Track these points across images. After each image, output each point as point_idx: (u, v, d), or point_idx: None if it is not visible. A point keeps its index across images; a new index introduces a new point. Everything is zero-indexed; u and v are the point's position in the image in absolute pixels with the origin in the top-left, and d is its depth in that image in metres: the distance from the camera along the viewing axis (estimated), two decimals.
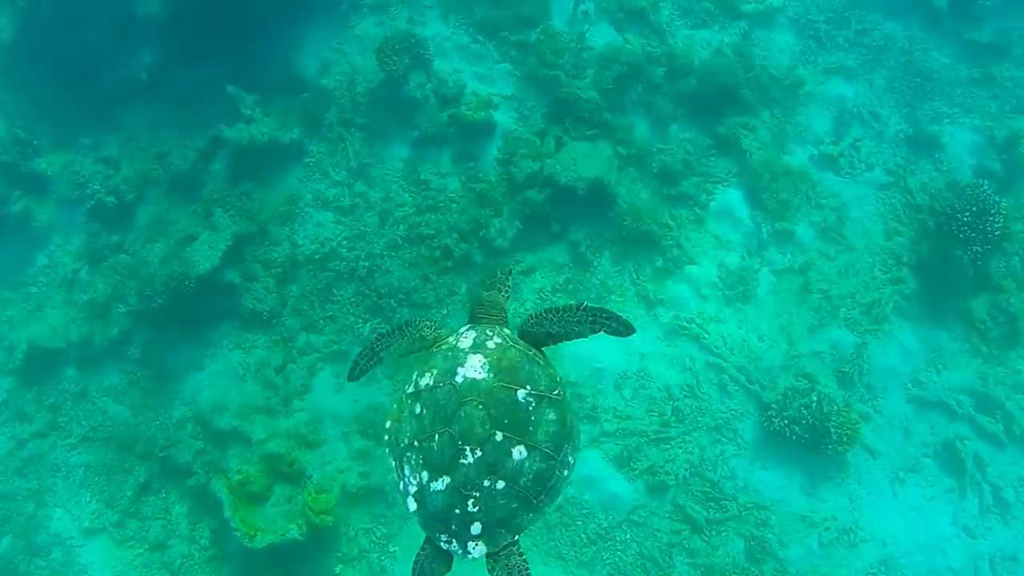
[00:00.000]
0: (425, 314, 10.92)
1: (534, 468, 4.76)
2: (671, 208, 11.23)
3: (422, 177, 11.38)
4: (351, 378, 5.57)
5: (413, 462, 4.85)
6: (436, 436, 4.76)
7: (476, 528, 4.74)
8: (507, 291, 5.69)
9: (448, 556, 4.93)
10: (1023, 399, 10.77)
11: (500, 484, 4.69)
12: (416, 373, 5.06)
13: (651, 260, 11.12)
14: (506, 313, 5.62)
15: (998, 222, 10.58)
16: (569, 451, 4.96)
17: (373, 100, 11.66)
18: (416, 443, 4.84)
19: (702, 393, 10.78)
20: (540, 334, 5.20)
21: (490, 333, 5.13)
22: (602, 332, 5.07)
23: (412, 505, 4.88)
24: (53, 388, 11.41)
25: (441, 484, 4.72)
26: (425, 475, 4.78)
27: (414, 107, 11.43)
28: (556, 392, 4.94)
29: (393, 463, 5.01)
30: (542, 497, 4.85)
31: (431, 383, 4.92)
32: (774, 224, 11.11)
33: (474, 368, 4.86)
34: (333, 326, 11.14)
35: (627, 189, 11.13)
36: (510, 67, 11.84)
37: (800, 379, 10.62)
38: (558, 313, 5.11)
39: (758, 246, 11.13)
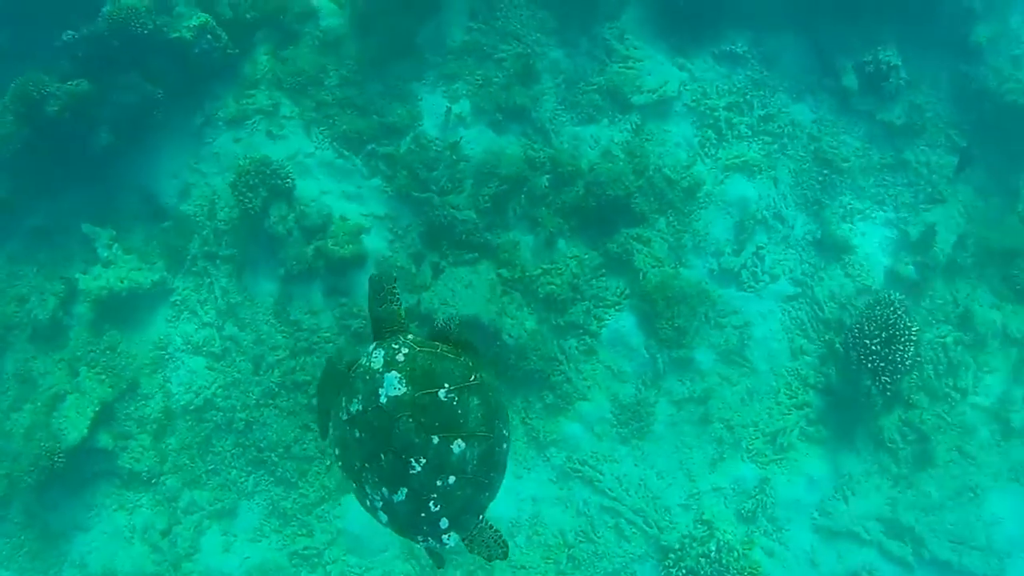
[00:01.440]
0: (308, 466, 10.49)
1: (476, 453, 5.21)
2: (560, 339, 10.54)
3: (292, 317, 10.69)
4: (323, 436, 5.91)
5: (371, 481, 5.25)
6: (381, 455, 5.15)
7: (444, 523, 5.22)
8: (397, 300, 5.84)
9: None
10: (933, 521, 10.33)
11: (451, 479, 5.12)
12: (344, 399, 5.42)
13: (541, 396, 10.54)
14: (403, 318, 5.85)
15: (909, 350, 9.89)
16: (502, 426, 5.41)
17: (236, 229, 10.85)
18: (367, 464, 5.25)
19: (598, 537, 10.39)
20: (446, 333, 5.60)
21: (396, 346, 5.42)
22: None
23: (384, 518, 5.33)
24: None
25: (401, 495, 5.15)
26: (385, 490, 5.19)
27: (278, 242, 10.62)
28: (472, 378, 5.32)
29: (354, 485, 5.41)
30: (491, 475, 5.35)
31: (360, 408, 5.26)
32: (670, 353, 10.41)
33: (392, 386, 5.20)
34: (216, 480, 10.70)
35: (511, 321, 10.41)
36: (381, 182, 10.94)
37: (698, 525, 10.17)
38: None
39: (654, 377, 10.47)
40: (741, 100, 11.09)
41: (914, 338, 9.92)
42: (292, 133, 11.13)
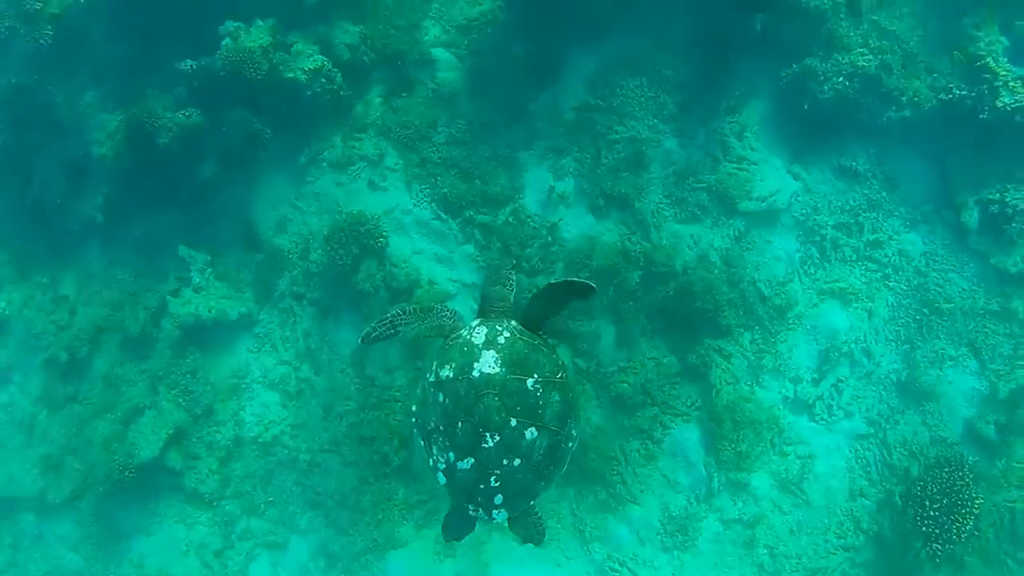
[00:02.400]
0: (360, 517, 10.84)
1: (544, 444, 5.61)
2: (623, 440, 10.55)
3: (368, 372, 10.88)
4: (365, 342, 6.39)
5: (440, 443, 5.70)
6: (459, 423, 5.57)
7: (499, 499, 5.66)
8: (512, 285, 6.37)
9: (472, 519, 5.95)
10: None
11: (516, 461, 5.54)
12: (436, 364, 5.86)
13: (594, 490, 10.62)
14: (511, 305, 6.29)
15: (968, 523, 9.67)
16: (572, 425, 5.84)
17: (325, 274, 10.98)
18: (442, 427, 5.67)
19: None
20: (538, 317, 6.05)
21: (500, 328, 5.85)
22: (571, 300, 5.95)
23: (442, 479, 5.80)
24: (11, 528, 11.82)
25: (466, 464, 5.59)
26: (451, 455, 5.64)
27: (363, 297, 10.75)
28: (559, 375, 5.74)
29: (422, 443, 5.88)
30: (552, 467, 5.77)
31: (451, 375, 5.67)
32: (728, 474, 10.36)
33: (488, 363, 5.60)
34: (273, 512, 11.14)
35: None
36: (474, 250, 10.92)
37: None
38: (540, 295, 5.97)
39: (707, 494, 10.43)
40: (852, 221, 10.66)
41: (976, 511, 9.69)
42: (393, 186, 11.12)
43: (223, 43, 10.46)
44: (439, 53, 11.20)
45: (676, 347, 10.60)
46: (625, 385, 10.47)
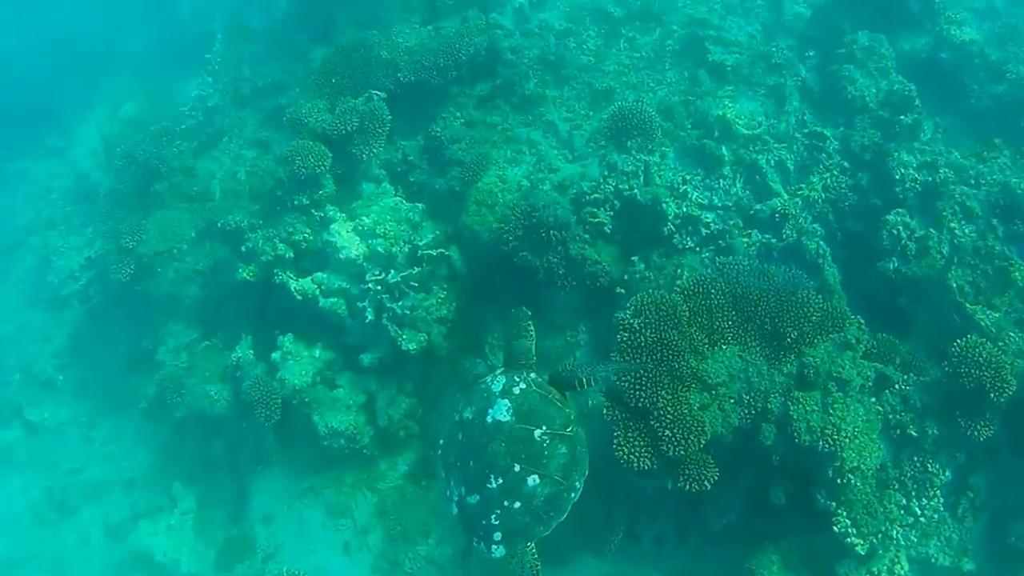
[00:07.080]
0: None
1: (545, 492, 6.16)
2: None
3: None
4: None
5: (456, 477, 6.53)
6: (471, 462, 6.37)
7: (497, 536, 6.24)
8: (531, 335, 6.89)
9: (475, 550, 6.47)
10: None
11: (517, 504, 6.13)
12: (463, 403, 6.68)
13: None
14: (533, 356, 6.83)
15: None
16: (577, 478, 6.47)
17: None
18: (458, 464, 6.51)
19: None
20: (569, 380, 6.57)
21: (517, 379, 6.50)
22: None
23: (455, 510, 6.49)
24: None
25: (474, 499, 6.33)
26: (463, 489, 6.45)
27: None
28: (569, 429, 6.27)
29: (443, 474, 6.74)
30: (551, 514, 6.27)
31: (470, 417, 6.42)
32: None
33: (501, 411, 6.26)
34: None
35: None
36: None
37: None
38: (580, 367, 6.55)
39: None
40: None
41: None
42: (361, 564, 10.42)
43: (272, 356, 10.05)
44: None
45: None
46: None
